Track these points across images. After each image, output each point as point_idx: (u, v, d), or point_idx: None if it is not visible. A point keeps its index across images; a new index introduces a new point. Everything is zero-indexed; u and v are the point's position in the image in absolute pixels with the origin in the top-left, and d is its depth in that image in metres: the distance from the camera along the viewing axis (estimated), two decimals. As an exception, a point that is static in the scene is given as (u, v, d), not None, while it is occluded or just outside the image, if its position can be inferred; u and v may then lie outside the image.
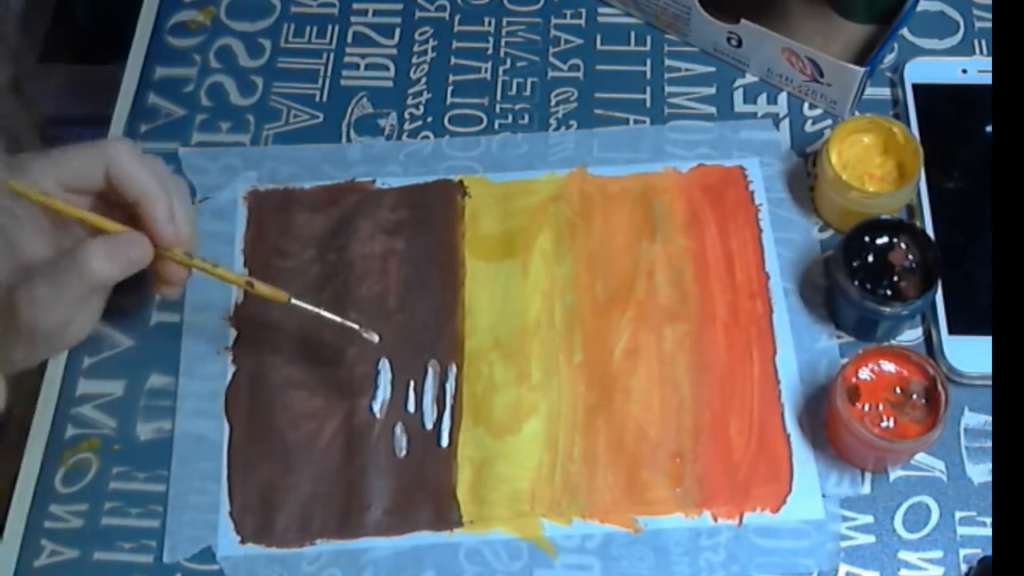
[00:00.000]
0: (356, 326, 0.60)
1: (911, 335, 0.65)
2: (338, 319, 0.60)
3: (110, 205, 0.58)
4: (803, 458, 0.62)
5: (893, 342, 0.65)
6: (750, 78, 0.74)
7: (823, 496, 0.61)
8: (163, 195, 0.57)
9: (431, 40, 0.77)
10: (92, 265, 0.54)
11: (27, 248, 0.56)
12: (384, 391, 0.65)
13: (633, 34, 0.77)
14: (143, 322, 0.68)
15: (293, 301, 0.60)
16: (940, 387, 0.58)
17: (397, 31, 0.78)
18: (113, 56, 0.81)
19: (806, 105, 0.73)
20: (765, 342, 0.65)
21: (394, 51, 0.77)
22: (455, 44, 0.77)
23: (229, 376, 0.66)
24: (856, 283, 0.61)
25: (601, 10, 0.78)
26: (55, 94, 1.16)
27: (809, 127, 0.72)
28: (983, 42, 0.75)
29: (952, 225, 0.67)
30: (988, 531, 0.60)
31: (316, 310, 0.60)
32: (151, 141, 0.74)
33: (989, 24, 0.75)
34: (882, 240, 0.62)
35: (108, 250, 0.55)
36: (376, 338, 0.61)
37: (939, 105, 0.71)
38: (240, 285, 0.60)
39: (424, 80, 0.75)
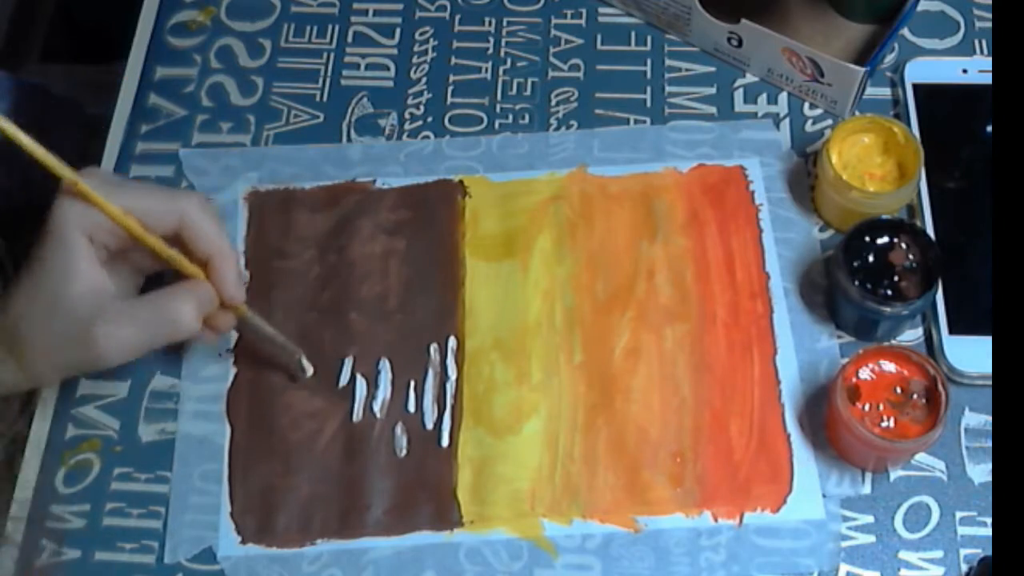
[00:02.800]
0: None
1: (911, 335, 0.65)
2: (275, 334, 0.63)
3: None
4: (803, 458, 0.62)
5: (893, 342, 0.65)
6: (750, 78, 0.74)
7: (823, 496, 0.61)
8: (233, 255, 0.58)
9: (431, 40, 0.77)
10: (184, 320, 0.56)
11: (85, 277, 0.55)
12: (384, 391, 0.65)
13: (633, 34, 0.77)
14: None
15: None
16: (940, 387, 0.58)
17: (397, 31, 0.78)
18: (113, 56, 0.81)
19: (806, 105, 0.73)
20: (765, 342, 0.65)
21: (394, 51, 0.77)
22: (455, 44, 0.77)
23: (230, 378, 0.66)
24: (856, 283, 0.61)
25: (601, 10, 0.78)
26: (55, 94, 1.16)
27: (809, 127, 0.72)
28: (983, 42, 0.75)
29: (952, 225, 0.67)
30: (988, 531, 0.60)
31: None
32: (151, 142, 0.74)
33: (989, 24, 0.75)
34: (882, 240, 0.62)
35: (196, 304, 0.56)
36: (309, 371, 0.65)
37: (939, 105, 0.71)
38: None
39: (424, 80, 0.75)
